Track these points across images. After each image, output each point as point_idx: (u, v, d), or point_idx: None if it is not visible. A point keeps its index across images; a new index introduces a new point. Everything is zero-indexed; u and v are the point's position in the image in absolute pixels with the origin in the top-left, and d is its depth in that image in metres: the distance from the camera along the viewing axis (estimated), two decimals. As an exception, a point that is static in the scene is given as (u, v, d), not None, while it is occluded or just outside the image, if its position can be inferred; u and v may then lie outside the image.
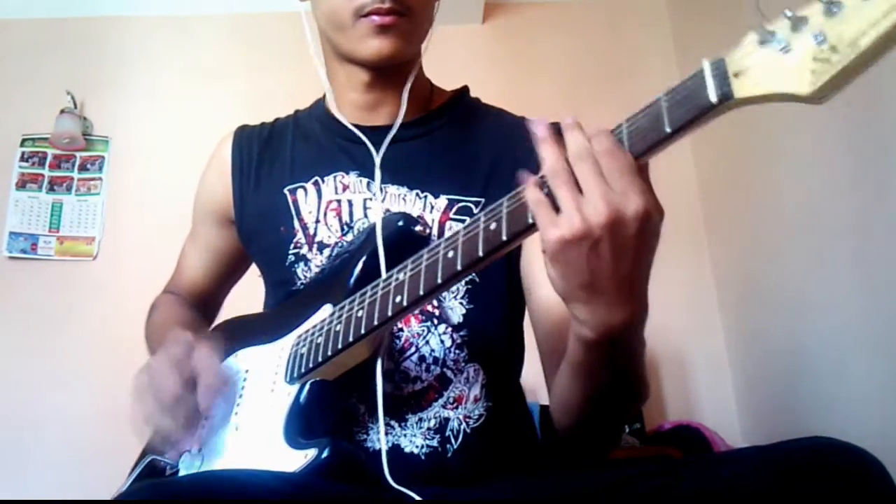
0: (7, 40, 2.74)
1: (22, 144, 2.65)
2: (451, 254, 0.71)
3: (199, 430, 0.87)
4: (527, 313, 1.01)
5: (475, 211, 0.95)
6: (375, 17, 0.91)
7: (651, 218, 0.60)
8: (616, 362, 0.71)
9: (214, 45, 2.79)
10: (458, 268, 0.70)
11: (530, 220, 0.65)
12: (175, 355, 0.83)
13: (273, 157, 1.07)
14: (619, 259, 0.61)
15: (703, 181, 2.56)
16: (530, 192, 0.64)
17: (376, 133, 0.99)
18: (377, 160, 0.97)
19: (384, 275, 0.81)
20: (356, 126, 1.00)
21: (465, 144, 1.01)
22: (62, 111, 2.60)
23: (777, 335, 2.12)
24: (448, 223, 0.95)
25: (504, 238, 0.67)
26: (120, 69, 2.75)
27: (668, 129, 0.58)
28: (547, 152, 0.64)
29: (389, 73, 0.98)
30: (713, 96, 0.56)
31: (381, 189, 0.97)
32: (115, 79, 2.74)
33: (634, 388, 0.77)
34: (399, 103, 0.99)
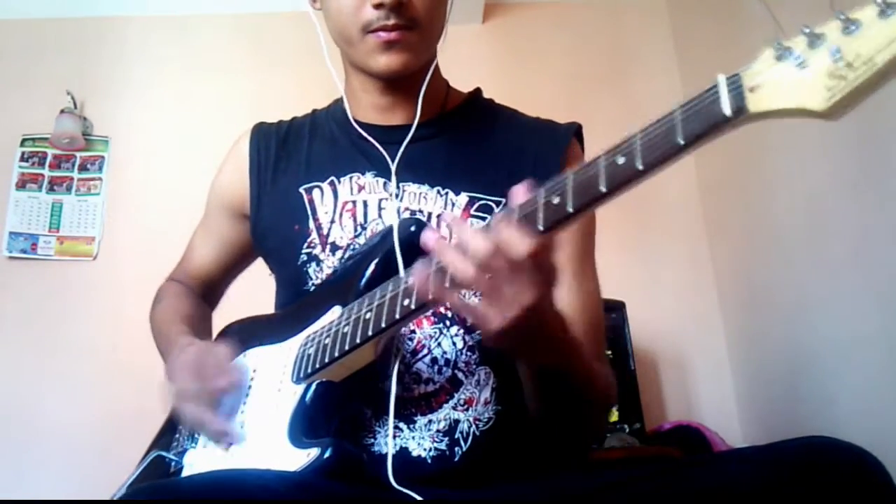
0: (7, 40, 2.74)
1: (22, 144, 2.65)
2: None
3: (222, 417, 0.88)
4: None
5: (496, 210, 0.95)
6: (382, 34, 0.92)
7: (547, 292, 0.69)
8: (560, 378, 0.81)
9: (215, 45, 2.79)
10: None
11: (540, 227, 0.66)
12: (194, 351, 0.91)
13: (289, 156, 1.07)
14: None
15: (704, 182, 2.56)
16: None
17: (393, 133, 1.00)
18: (393, 167, 0.98)
19: (402, 272, 0.81)
20: (373, 126, 1.02)
21: (484, 144, 1.02)
22: (62, 111, 2.59)
23: (777, 335, 2.12)
24: (469, 220, 0.95)
25: None
26: (120, 69, 2.75)
27: (681, 142, 0.59)
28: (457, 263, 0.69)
29: (403, 78, 0.98)
30: (728, 110, 0.56)
31: (399, 188, 0.98)
32: (114, 79, 2.73)
33: (584, 404, 0.88)
34: (415, 104, 1.00)
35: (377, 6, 0.90)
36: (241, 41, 2.78)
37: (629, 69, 2.72)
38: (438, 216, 0.95)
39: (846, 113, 0.53)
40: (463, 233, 0.68)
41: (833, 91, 0.52)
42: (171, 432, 1.00)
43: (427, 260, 0.73)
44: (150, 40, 2.79)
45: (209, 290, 1.20)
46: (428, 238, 0.70)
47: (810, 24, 0.55)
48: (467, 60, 2.52)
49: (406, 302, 0.76)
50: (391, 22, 0.91)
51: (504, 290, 0.66)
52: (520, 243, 0.65)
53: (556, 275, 0.69)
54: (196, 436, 0.93)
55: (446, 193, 0.97)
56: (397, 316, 0.76)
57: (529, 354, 0.78)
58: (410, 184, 0.98)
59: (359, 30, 0.93)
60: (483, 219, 0.94)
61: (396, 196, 0.97)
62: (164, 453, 0.96)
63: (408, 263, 0.80)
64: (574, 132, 1.03)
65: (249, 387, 0.91)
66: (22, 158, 2.64)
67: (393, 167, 0.98)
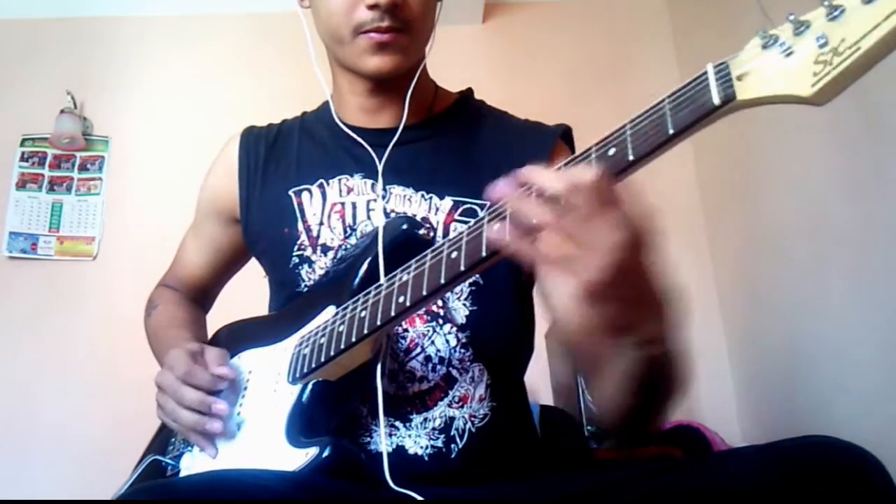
0: (7, 40, 2.74)
1: (22, 144, 2.65)
2: (454, 254, 0.71)
3: (216, 422, 0.87)
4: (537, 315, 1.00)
5: (480, 213, 0.94)
6: (374, 35, 0.91)
7: (643, 234, 0.59)
8: (663, 366, 0.70)
9: (215, 45, 2.79)
10: (462, 268, 0.70)
11: (534, 221, 0.64)
12: (190, 349, 0.90)
13: (279, 159, 1.07)
14: (633, 284, 0.60)
15: (704, 182, 2.56)
16: (544, 249, 0.61)
17: (380, 135, 1.00)
18: (380, 167, 0.97)
19: (383, 279, 0.81)
20: (360, 129, 1.01)
21: (470, 147, 1.01)
22: (62, 111, 2.60)
23: (777, 335, 2.12)
24: (453, 224, 0.95)
25: (507, 238, 0.66)
26: (120, 69, 2.75)
27: (671, 131, 0.59)
28: (529, 209, 0.61)
29: (392, 80, 0.98)
30: (716, 98, 0.57)
31: (385, 190, 0.97)
32: (115, 79, 2.74)
33: (678, 384, 0.76)
34: (402, 105, 0.99)
35: (371, 7, 0.90)
36: (240, 41, 2.78)
37: (629, 69, 2.72)
38: (423, 219, 0.95)
39: (833, 98, 0.53)
40: (536, 175, 0.62)
41: (819, 76, 0.52)
42: (166, 436, 1.00)
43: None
44: (150, 40, 2.79)
45: (202, 294, 1.20)
46: (493, 191, 0.63)
47: (797, 13, 0.55)
48: (467, 60, 2.53)
49: (401, 299, 0.75)
50: (385, 24, 0.90)
51: (589, 230, 0.58)
52: (587, 172, 0.59)
53: (646, 222, 0.60)
54: None
55: (430, 198, 0.96)
56: (392, 313, 0.76)
57: (625, 320, 0.63)
58: (396, 186, 0.98)
59: (351, 30, 0.92)
60: (467, 223, 0.93)
61: (383, 198, 0.97)
62: (160, 457, 0.96)
63: (401, 261, 0.80)
64: (561, 134, 1.03)
65: (245, 388, 0.91)
66: (22, 158, 2.64)
67: (380, 168, 0.98)
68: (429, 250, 0.76)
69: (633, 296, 0.60)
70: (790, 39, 0.55)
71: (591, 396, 0.88)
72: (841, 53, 0.51)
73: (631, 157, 0.61)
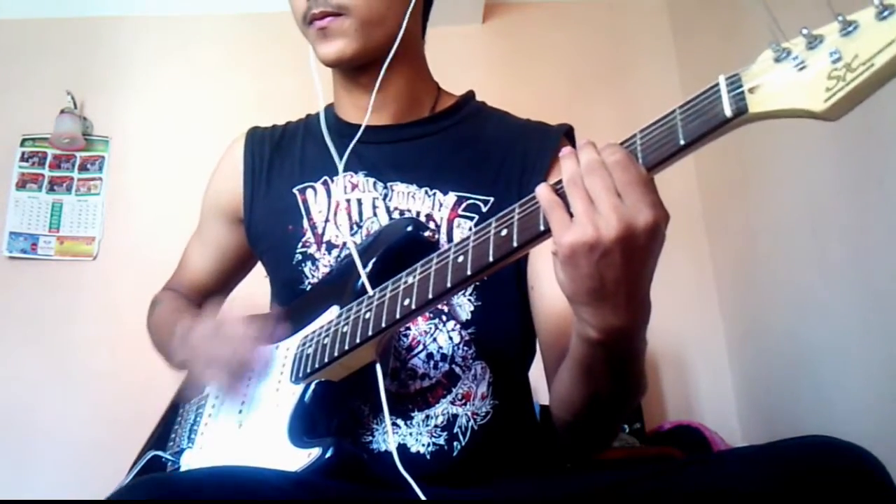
0: (7, 40, 2.74)
1: (22, 144, 2.65)
2: (461, 258, 0.72)
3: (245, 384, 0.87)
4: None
5: (483, 209, 0.95)
6: (316, 23, 0.93)
7: (660, 228, 0.62)
8: (617, 361, 0.73)
9: (215, 45, 2.79)
10: (468, 273, 0.71)
11: (542, 228, 0.66)
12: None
13: (283, 158, 1.07)
14: (628, 268, 0.63)
15: (704, 181, 2.56)
16: (545, 194, 0.65)
17: (380, 132, 1.00)
18: (340, 167, 0.98)
19: (370, 290, 0.82)
20: (357, 126, 1.00)
21: (474, 143, 1.02)
22: (62, 111, 2.60)
23: (777, 335, 2.12)
24: (456, 220, 0.95)
25: (514, 245, 0.68)
26: (120, 69, 2.75)
27: (682, 142, 0.59)
28: (566, 164, 0.66)
29: (361, 71, 0.99)
30: (728, 110, 0.57)
31: (387, 188, 0.98)
32: (115, 79, 2.74)
33: (634, 387, 0.79)
34: (400, 102, 1.01)
35: None
36: (241, 41, 2.78)
37: (629, 69, 2.72)
38: (427, 216, 0.95)
39: (845, 114, 0.53)
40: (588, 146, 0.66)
41: (832, 92, 0.52)
42: (166, 432, 1.00)
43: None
44: (150, 40, 2.79)
45: (206, 300, 1.17)
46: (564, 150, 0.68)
47: (809, 26, 0.55)
48: (467, 60, 2.53)
49: (406, 301, 0.76)
50: (317, 10, 0.92)
51: (614, 197, 0.61)
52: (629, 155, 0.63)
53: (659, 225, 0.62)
54: (192, 436, 0.93)
55: (434, 194, 0.97)
56: (397, 316, 0.76)
57: (603, 298, 0.65)
58: (398, 183, 0.98)
59: (301, 23, 0.96)
60: (471, 218, 0.95)
61: (386, 197, 0.98)
62: (160, 453, 0.96)
63: (405, 263, 0.80)
64: (564, 133, 1.03)
65: (247, 386, 0.91)
66: (22, 158, 2.64)
67: (340, 167, 0.98)
68: (434, 254, 0.76)
69: (599, 281, 0.63)
70: (803, 53, 0.54)
71: (550, 393, 0.89)
72: (854, 69, 0.51)
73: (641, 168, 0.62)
